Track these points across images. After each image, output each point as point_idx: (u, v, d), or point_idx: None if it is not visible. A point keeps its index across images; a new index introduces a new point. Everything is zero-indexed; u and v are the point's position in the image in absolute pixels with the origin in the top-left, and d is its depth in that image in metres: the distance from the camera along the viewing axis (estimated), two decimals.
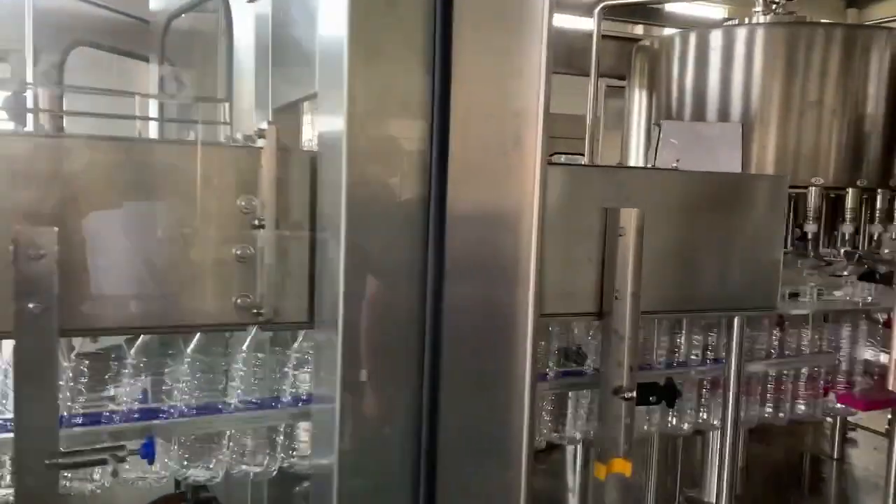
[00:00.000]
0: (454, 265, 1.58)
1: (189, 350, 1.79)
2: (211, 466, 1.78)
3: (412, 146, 1.56)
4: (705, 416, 2.34)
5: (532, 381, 1.66)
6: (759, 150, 4.63)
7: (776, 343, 2.52)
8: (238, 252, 1.68)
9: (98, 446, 1.63)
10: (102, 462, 1.60)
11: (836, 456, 4.22)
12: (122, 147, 1.63)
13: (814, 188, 4.10)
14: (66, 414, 1.66)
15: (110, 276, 1.59)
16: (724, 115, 4.36)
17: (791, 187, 4.27)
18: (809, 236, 4.00)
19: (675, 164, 2.14)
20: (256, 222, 1.67)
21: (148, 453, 1.64)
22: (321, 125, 1.66)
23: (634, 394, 2.05)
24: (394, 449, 1.60)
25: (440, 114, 1.55)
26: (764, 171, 4.05)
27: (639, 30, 7.58)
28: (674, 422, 2.40)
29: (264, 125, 1.68)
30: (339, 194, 1.52)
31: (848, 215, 3.95)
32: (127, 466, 1.74)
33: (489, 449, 1.67)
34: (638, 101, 4.96)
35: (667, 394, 2.12)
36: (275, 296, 1.69)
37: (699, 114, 4.43)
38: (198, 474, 1.77)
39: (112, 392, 1.75)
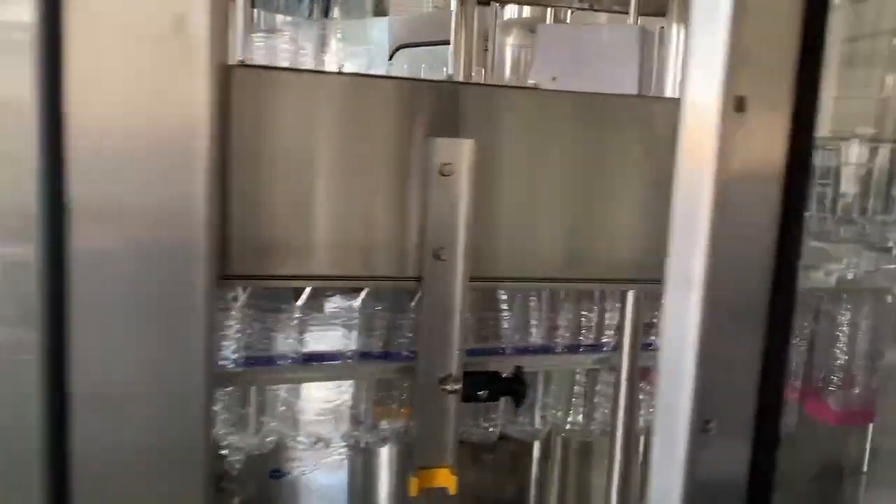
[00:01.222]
0: (83, 204, 1.14)
1: None
2: None
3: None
4: (581, 419, 1.77)
5: (207, 371, 1.20)
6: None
7: None
8: None
9: None
10: None
11: None
12: None
13: None
14: None
15: None
16: None
17: None
18: None
19: (533, 83, 1.59)
20: None
21: None
22: None
23: (460, 386, 1.56)
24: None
25: None
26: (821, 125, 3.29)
27: None
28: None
29: None
30: None
31: None
32: None
33: (151, 460, 1.23)
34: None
35: (511, 388, 1.59)
36: None
37: None
38: None
39: None
